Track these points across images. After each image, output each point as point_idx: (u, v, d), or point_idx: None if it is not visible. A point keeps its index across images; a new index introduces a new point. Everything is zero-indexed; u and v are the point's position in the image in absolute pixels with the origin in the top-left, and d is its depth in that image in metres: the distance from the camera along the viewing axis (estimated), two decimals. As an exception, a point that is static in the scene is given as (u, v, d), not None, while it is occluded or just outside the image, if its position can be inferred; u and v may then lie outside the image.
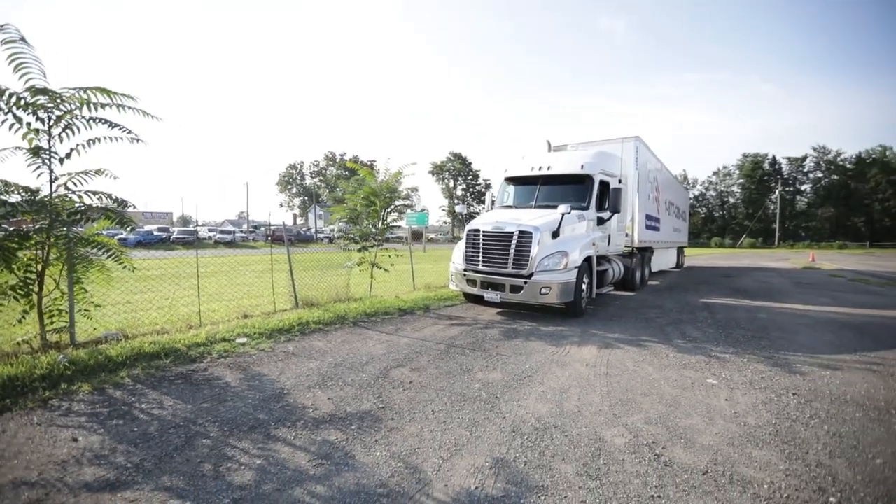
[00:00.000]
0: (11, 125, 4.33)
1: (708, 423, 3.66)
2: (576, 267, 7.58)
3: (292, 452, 3.10)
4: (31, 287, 4.54)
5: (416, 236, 46.28)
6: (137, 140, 4.88)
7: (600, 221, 8.90)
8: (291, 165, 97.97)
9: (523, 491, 2.71)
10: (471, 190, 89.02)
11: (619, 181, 9.76)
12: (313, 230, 60.48)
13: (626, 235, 10.80)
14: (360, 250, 9.40)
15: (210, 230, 48.91)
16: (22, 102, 4.28)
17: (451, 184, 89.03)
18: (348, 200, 9.75)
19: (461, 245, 8.42)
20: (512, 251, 7.51)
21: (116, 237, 14.32)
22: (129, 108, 4.78)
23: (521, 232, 7.49)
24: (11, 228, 4.34)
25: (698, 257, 33.72)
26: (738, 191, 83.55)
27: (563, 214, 7.65)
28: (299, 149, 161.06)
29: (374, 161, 70.67)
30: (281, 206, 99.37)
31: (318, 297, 8.23)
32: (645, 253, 12.93)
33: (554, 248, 7.50)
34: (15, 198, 4.38)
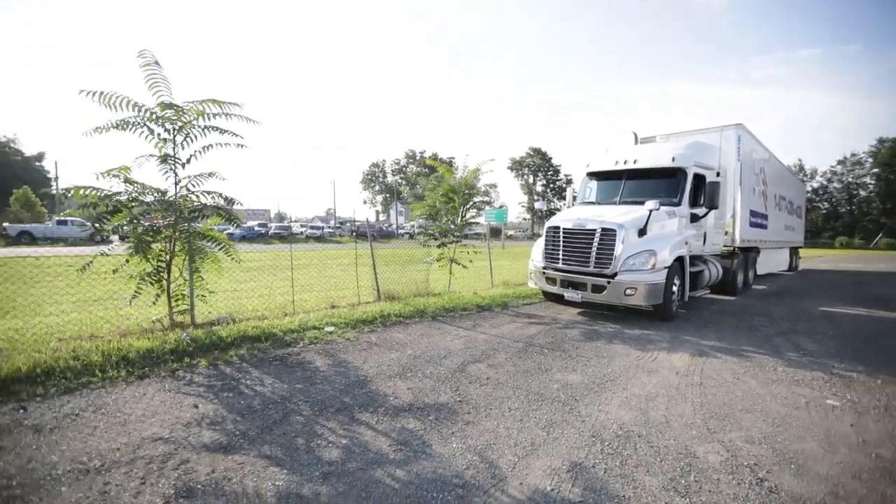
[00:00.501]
0: (146, 136, 5.07)
1: (827, 449, 3.23)
2: (665, 267, 7.07)
3: (374, 436, 3.28)
4: (161, 274, 5.30)
5: (495, 233, 46.17)
6: (242, 145, 5.45)
7: (694, 218, 8.18)
8: (374, 164, 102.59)
9: (602, 499, 2.60)
10: (551, 186, 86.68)
11: (718, 174, 8.88)
12: (394, 226, 62.96)
13: (726, 234, 9.82)
14: (439, 246, 9.61)
15: (301, 226, 52.97)
16: (154, 116, 5.00)
17: (531, 179, 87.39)
18: (428, 197, 10.00)
19: (541, 242, 8.25)
20: (594, 249, 7.20)
21: (225, 232, 16.10)
22: (235, 115, 5.35)
23: (603, 229, 7.16)
24: (147, 224, 5.10)
25: (818, 259, 29.65)
26: (872, 182, 71.84)
27: (650, 211, 7.17)
28: (382, 147, 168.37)
29: (453, 158, 71.68)
30: (364, 203, 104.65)
31: (399, 290, 8.56)
32: (749, 253, 11.66)
33: (640, 247, 7.06)
34: (149, 198, 5.13)
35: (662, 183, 8.15)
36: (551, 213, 64.46)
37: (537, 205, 79.55)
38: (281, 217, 79.24)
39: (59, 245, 24.62)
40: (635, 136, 10.14)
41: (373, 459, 2.96)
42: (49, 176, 52.03)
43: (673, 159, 8.07)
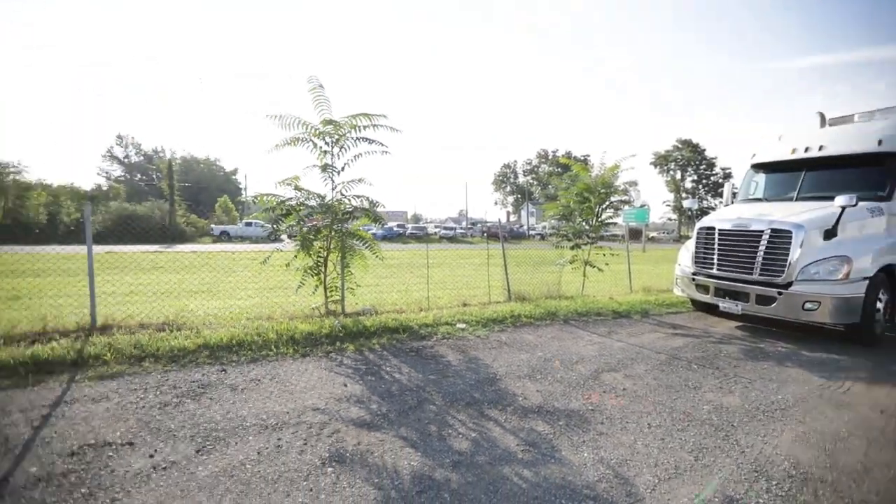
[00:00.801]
0: (311, 149, 5.92)
1: None
2: (865, 278, 5.69)
3: (502, 433, 3.30)
4: (320, 268, 6.14)
5: (635, 234, 42.63)
6: (386, 152, 5.99)
7: (912, 218, 6.41)
8: (506, 165, 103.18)
9: (769, 545, 2.21)
10: (703, 182, 76.55)
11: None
12: (525, 227, 62.49)
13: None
14: (572, 248, 9.25)
15: (436, 227, 56.02)
16: (316, 132, 5.80)
17: (679, 175, 78.41)
18: (561, 197, 9.70)
19: (689, 245, 7.35)
20: (760, 254, 6.14)
21: (370, 231, 17.84)
22: (381, 125, 5.90)
23: (774, 231, 6.05)
24: (309, 225, 5.96)
25: None
26: None
27: (842, 208, 5.83)
28: (514, 149, 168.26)
29: (588, 156, 68.16)
30: (495, 204, 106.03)
31: (530, 291, 8.48)
32: None
33: (827, 252, 5.80)
34: (312, 202, 5.98)
35: (861, 173, 6.57)
36: (703, 212, 57.02)
37: (686, 203, 71.00)
38: (417, 218, 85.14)
39: (245, 242, 30.15)
40: (822, 116, 8.35)
41: (500, 456, 2.98)
42: (240, 186, 64.29)
43: (880, 142, 6.42)
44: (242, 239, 32.51)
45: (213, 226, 35.42)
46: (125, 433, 3.21)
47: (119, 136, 64.58)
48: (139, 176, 62.38)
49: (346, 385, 4.15)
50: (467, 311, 6.96)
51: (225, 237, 32.90)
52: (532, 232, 56.64)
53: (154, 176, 60.87)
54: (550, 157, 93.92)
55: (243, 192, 62.47)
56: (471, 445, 3.12)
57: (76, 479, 2.66)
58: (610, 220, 9.70)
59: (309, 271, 5.93)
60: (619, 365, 4.93)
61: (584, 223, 9.37)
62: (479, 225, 62.62)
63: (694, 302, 7.73)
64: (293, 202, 5.76)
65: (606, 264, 9.30)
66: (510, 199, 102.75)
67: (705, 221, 7.07)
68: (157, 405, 3.67)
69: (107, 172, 60.56)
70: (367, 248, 6.23)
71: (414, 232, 46.66)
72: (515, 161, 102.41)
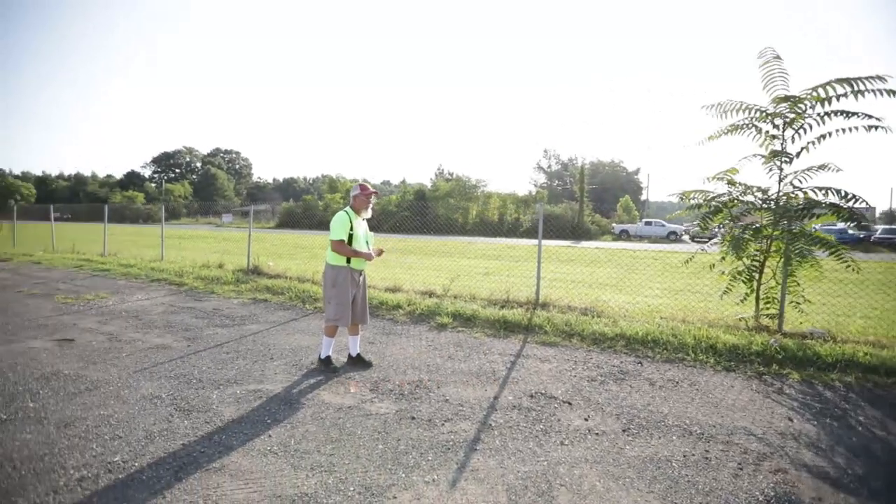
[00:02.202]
0: (753, 136, 5.11)
1: None
2: None
3: None
4: (753, 274, 5.26)
5: None
6: (876, 126, 4.36)
7: None
8: None
9: None
10: None
11: None
12: None
13: None
14: None
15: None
16: (763, 115, 4.93)
17: None
18: None
19: None
20: None
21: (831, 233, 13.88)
22: (868, 91, 4.33)
23: None
24: (745, 223, 5.18)
25: None
26: None
27: None
28: None
29: None
30: None
31: None
32: None
33: None
34: (749, 197, 5.17)
35: None
36: None
37: None
38: (893, 216, 58.56)
39: (644, 241, 30.23)
40: None
41: None
42: (642, 186, 64.95)
43: None
44: (641, 238, 32.85)
45: (613, 224, 37.60)
46: (564, 393, 3.86)
47: (545, 150, 79.27)
48: (556, 182, 74.36)
49: (791, 420, 3.38)
50: None
51: (624, 235, 34.23)
52: None
53: (567, 181, 70.98)
54: None
55: (643, 191, 63.00)
56: None
57: (535, 416, 3.42)
58: None
59: (738, 276, 5.20)
60: None
61: None
62: None
63: None
64: (724, 198, 5.18)
65: None
66: None
67: None
68: (585, 378, 4.21)
69: (534, 181, 75.69)
70: (832, 255, 4.75)
71: (887, 237, 31.85)
72: None
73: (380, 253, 4.39)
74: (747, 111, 4.91)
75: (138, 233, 26.61)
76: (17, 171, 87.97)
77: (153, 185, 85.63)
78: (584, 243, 26.43)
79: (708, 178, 5.13)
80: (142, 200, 70.64)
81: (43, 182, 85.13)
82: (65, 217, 42.76)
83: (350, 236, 4.07)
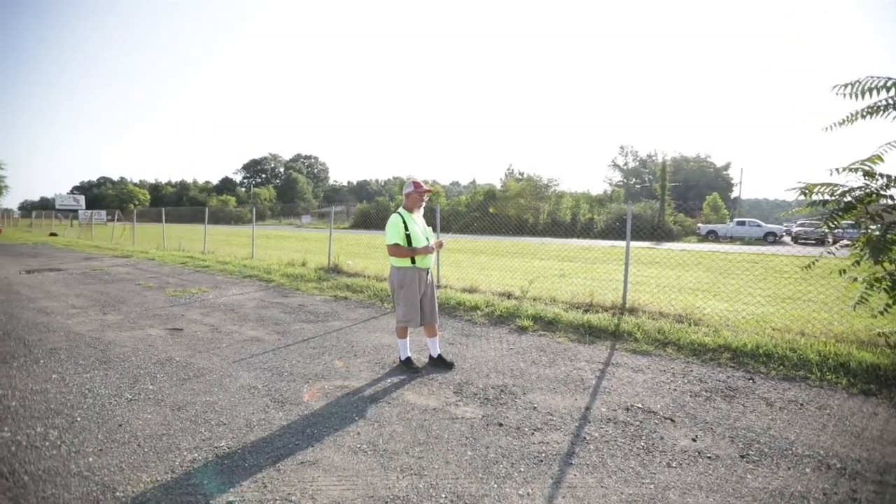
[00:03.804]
0: (894, 117, 4.31)
1: None
2: None
3: None
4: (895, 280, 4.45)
5: None
6: None
7: None
8: None
9: None
10: None
11: None
12: None
13: None
14: None
15: None
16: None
17: None
18: None
19: None
20: None
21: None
22: None
23: None
24: (887, 222, 4.39)
25: None
26: None
27: None
28: None
29: None
30: None
31: None
32: None
33: None
34: (893, 191, 4.37)
35: None
36: None
37: None
38: None
39: (736, 243, 27.50)
40: None
41: None
42: (733, 182, 59.31)
43: None
44: (732, 239, 29.93)
45: (699, 224, 34.66)
46: (664, 408, 3.50)
47: (621, 147, 75.24)
48: (633, 179, 70.25)
49: (964, 460, 2.77)
50: None
51: (712, 237, 31.39)
52: None
53: (646, 178, 66.76)
54: None
55: (734, 188, 57.49)
56: None
57: (634, 432, 3.12)
58: None
59: (877, 284, 4.41)
60: None
61: None
62: None
63: None
64: (858, 193, 4.42)
65: None
66: None
67: None
68: (687, 392, 3.80)
69: (609, 179, 72.10)
70: None
71: None
72: None
73: (440, 245, 4.29)
74: (889, 89, 4.15)
75: (231, 233, 29.12)
76: (135, 180, 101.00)
77: (243, 189, 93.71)
78: (666, 244, 24.62)
79: (838, 169, 4.40)
80: (233, 204, 77.63)
81: (155, 188, 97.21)
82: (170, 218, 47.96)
83: (407, 237, 3.97)
